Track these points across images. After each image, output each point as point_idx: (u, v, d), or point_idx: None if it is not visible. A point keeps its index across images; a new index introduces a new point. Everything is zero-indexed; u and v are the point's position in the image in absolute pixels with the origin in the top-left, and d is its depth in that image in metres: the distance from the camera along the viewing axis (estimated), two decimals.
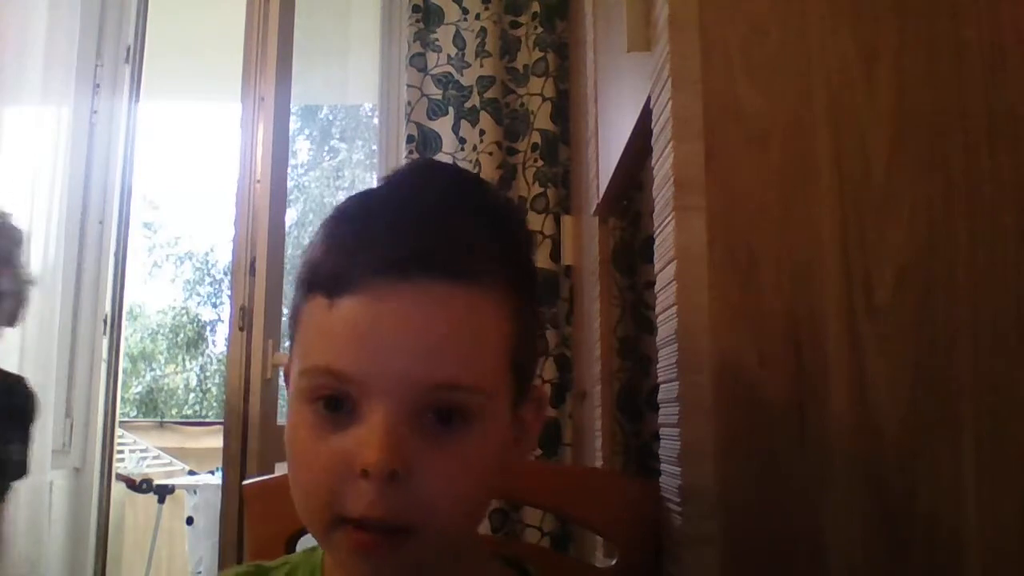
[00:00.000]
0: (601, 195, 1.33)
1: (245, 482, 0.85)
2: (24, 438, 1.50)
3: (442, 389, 0.49)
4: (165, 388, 7.72)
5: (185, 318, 7.91)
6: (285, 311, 1.86)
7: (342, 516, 0.49)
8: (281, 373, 0.62)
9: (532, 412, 0.58)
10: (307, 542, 0.78)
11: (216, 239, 7.81)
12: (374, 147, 2.36)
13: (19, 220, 1.38)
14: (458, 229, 0.52)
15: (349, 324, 0.49)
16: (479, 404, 0.50)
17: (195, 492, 3.59)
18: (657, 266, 0.75)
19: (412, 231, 0.50)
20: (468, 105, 2.04)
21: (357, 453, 0.48)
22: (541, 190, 1.97)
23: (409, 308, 0.49)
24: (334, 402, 0.50)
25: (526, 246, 0.59)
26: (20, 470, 1.48)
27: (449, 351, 0.49)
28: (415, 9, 2.11)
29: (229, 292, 1.79)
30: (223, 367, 3.02)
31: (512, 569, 0.64)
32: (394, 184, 0.57)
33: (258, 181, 1.78)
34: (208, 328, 7.90)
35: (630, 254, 1.55)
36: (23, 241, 1.41)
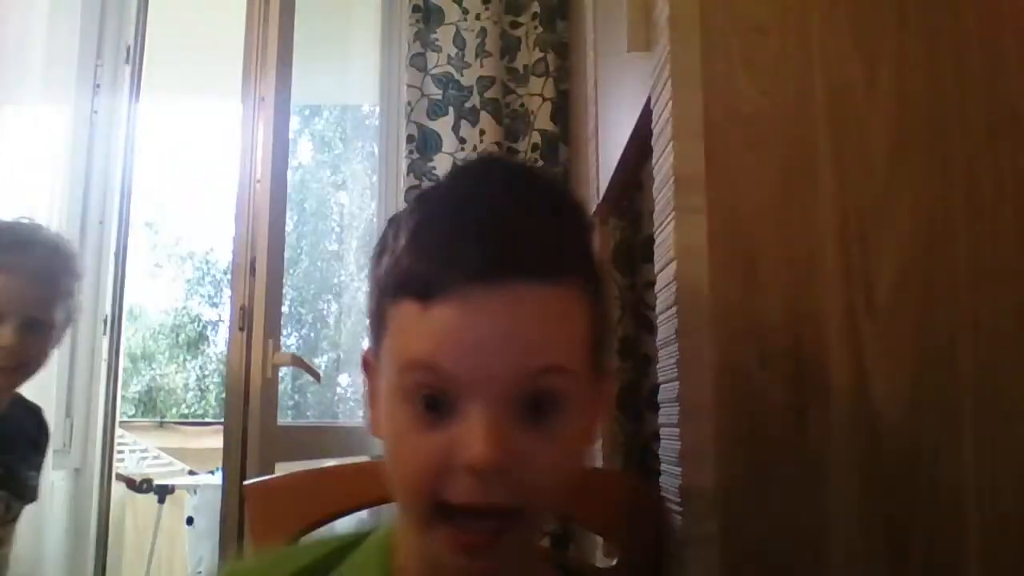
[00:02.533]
0: (601, 195, 1.33)
1: (246, 482, 0.85)
2: (39, 465, 1.56)
3: (542, 374, 0.52)
4: (165, 387, 7.71)
5: (186, 318, 7.90)
6: (285, 311, 1.85)
7: (445, 503, 0.51)
8: (361, 365, 0.63)
9: (607, 383, 0.62)
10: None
11: (216, 239, 7.82)
12: (374, 147, 2.35)
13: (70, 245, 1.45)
14: (544, 232, 0.54)
15: (446, 328, 0.51)
16: (571, 386, 0.53)
17: (195, 492, 3.58)
18: (657, 266, 0.75)
19: (502, 237, 0.52)
20: (468, 105, 2.03)
21: (460, 449, 0.50)
22: None
23: (503, 311, 0.51)
24: (433, 401, 0.52)
25: (591, 234, 0.61)
26: (33, 495, 1.54)
27: (545, 344, 0.53)
28: (415, 9, 2.11)
29: (229, 292, 1.79)
30: (223, 367, 3.01)
31: (558, 570, 0.67)
32: (469, 184, 0.58)
33: (258, 181, 1.78)
34: (208, 328, 7.89)
35: (630, 254, 1.55)
36: (82, 275, 1.47)
